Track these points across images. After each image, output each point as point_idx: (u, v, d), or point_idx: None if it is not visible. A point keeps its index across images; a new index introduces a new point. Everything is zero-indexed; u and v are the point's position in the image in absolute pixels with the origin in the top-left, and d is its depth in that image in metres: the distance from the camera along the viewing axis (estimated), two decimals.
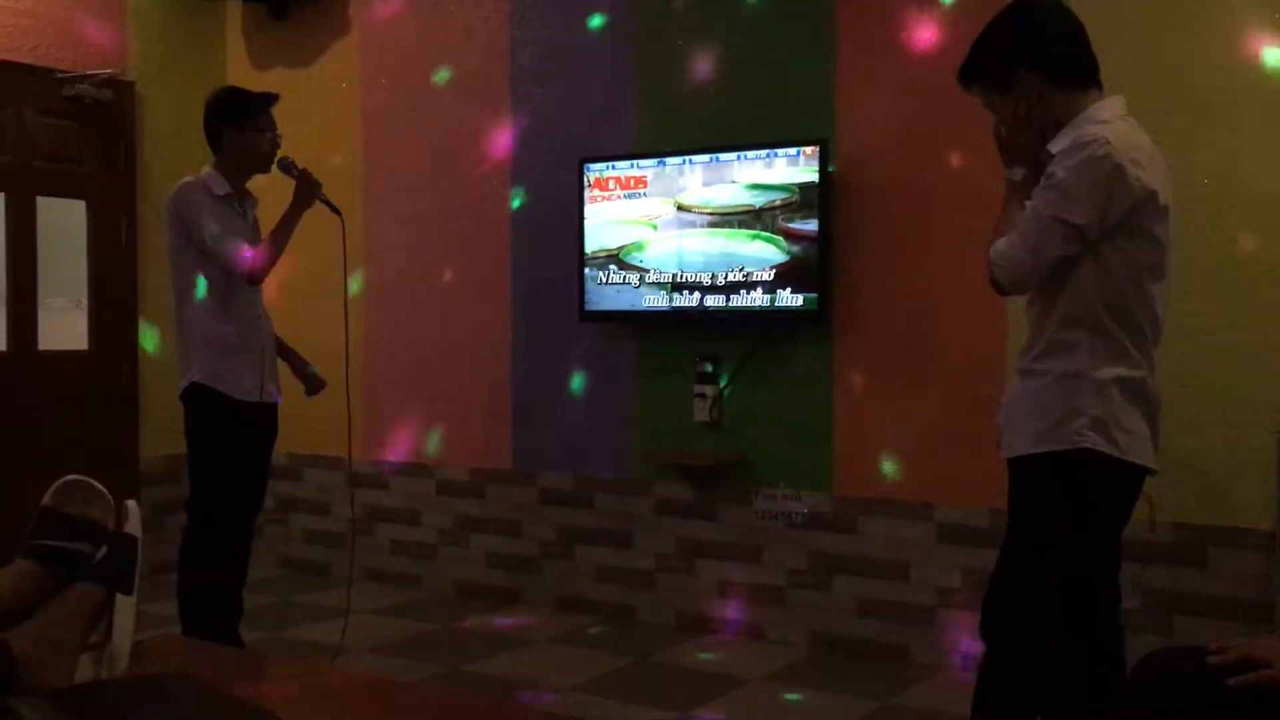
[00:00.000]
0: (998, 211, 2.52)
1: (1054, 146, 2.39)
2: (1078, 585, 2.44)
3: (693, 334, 4.46)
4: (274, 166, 3.79)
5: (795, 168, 4.14)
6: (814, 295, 4.11)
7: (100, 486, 1.59)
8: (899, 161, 4.07)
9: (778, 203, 4.18)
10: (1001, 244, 2.41)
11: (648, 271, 4.45)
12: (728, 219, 4.29)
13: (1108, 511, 2.43)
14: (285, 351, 4.05)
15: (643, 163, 4.45)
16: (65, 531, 1.54)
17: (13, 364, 4.89)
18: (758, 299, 4.21)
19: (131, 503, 1.59)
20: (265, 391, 3.81)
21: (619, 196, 4.50)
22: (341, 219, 3.87)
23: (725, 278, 4.28)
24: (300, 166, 3.78)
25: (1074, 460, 2.34)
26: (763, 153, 4.20)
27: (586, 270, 4.58)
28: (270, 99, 3.81)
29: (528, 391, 4.90)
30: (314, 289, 5.45)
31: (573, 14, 4.75)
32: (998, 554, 2.54)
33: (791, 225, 4.16)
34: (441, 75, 5.09)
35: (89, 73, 5.07)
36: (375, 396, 5.30)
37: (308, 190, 3.75)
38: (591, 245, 4.57)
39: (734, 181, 4.26)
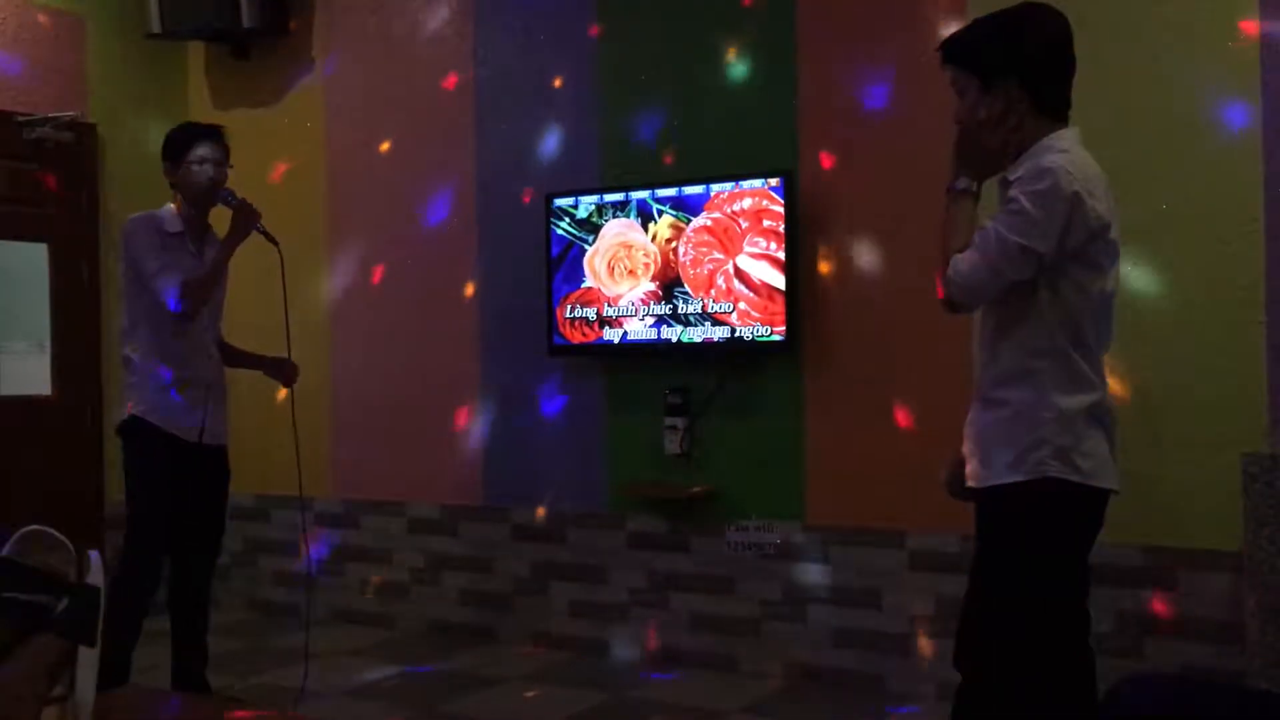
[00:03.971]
0: (944, 223, 2.48)
1: (1011, 173, 2.41)
2: (1065, 610, 2.44)
3: (662, 366, 4.46)
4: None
5: (761, 199, 4.16)
6: (782, 326, 4.12)
7: (61, 536, 1.57)
8: (864, 191, 4.10)
9: (749, 234, 4.19)
10: (962, 264, 2.38)
11: (619, 304, 4.45)
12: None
13: (1076, 536, 2.44)
14: (246, 358, 4.02)
15: (609, 196, 4.47)
16: (25, 583, 1.51)
17: None
18: (726, 330, 4.22)
19: (94, 553, 1.57)
20: (208, 433, 3.74)
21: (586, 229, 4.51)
22: (280, 250, 3.82)
23: (693, 309, 4.29)
24: (239, 197, 3.72)
25: (1039, 488, 2.36)
26: (728, 184, 4.22)
27: (554, 304, 4.57)
28: (209, 130, 3.76)
29: (498, 427, 4.88)
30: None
31: (536, 50, 4.77)
32: (968, 582, 2.55)
33: (764, 256, 4.17)
34: (406, 112, 5.10)
35: (50, 115, 5.04)
36: (345, 435, 5.27)
37: (245, 221, 3.68)
38: (559, 279, 4.57)
39: (700, 213, 4.28)
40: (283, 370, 4.00)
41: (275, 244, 3.85)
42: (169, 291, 3.58)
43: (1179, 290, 3.58)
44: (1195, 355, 3.56)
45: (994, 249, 2.34)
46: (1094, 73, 3.67)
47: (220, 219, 3.79)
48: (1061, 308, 2.37)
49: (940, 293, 2.47)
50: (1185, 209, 3.57)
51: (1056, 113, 2.44)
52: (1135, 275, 3.62)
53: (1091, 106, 3.67)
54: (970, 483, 2.50)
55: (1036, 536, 2.39)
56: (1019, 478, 2.37)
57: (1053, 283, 2.36)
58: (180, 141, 3.73)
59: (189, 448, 3.70)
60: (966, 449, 2.52)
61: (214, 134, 3.77)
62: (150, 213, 3.72)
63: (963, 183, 2.50)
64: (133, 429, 3.67)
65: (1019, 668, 2.41)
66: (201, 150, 3.70)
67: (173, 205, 3.75)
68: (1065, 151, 2.37)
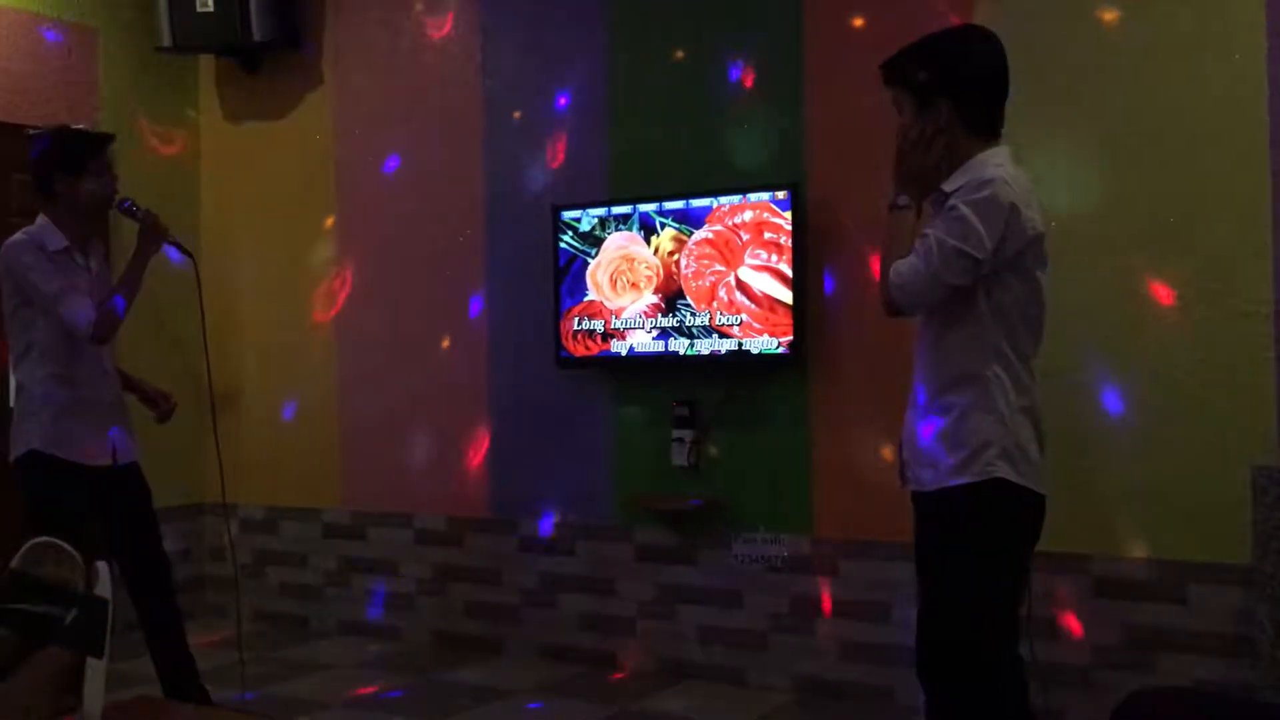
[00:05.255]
0: (886, 236, 2.60)
1: (948, 185, 2.50)
2: (1006, 614, 2.50)
3: (669, 378, 4.46)
4: (116, 210, 3.58)
5: (762, 211, 4.16)
6: (789, 338, 4.12)
7: (69, 548, 1.58)
8: (870, 203, 4.09)
9: (751, 246, 4.20)
10: (903, 267, 2.48)
11: (623, 316, 4.45)
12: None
13: (1021, 539, 2.51)
14: (128, 383, 3.80)
15: (617, 209, 4.48)
16: (34, 595, 1.52)
17: None
18: (732, 343, 4.22)
19: (102, 564, 1.58)
20: (119, 452, 3.57)
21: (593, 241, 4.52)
22: (195, 262, 3.69)
23: (699, 323, 4.29)
24: (143, 208, 3.51)
25: (986, 490, 2.43)
26: (735, 197, 4.22)
27: (562, 316, 4.58)
28: (107, 139, 3.58)
29: (506, 439, 4.88)
30: (293, 335, 5.45)
31: (543, 63, 4.79)
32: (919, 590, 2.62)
33: (765, 268, 4.17)
34: (414, 125, 5.12)
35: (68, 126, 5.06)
36: (352, 446, 5.27)
37: (153, 234, 3.48)
38: (566, 291, 4.57)
39: (702, 226, 4.28)
40: (157, 404, 3.77)
41: (190, 255, 3.67)
42: (79, 314, 3.38)
43: (1187, 302, 3.57)
44: (1204, 368, 3.55)
45: (935, 254, 2.43)
46: (1101, 85, 3.69)
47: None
48: (1000, 314, 2.46)
49: (882, 298, 2.55)
50: (1192, 222, 3.57)
51: (988, 132, 2.54)
52: (1142, 287, 3.62)
53: (1099, 118, 3.69)
54: (912, 488, 2.59)
55: (985, 537, 2.46)
56: (967, 479, 2.44)
57: (990, 290, 2.45)
58: (80, 151, 3.48)
59: (100, 472, 3.53)
60: (907, 456, 2.61)
61: (109, 142, 3.56)
62: (28, 233, 3.46)
63: (903, 199, 2.60)
64: (32, 463, 3.47)
65: (965, 671, 2.47)
66: (102, 160, 3.49)
67: (47, 220, 3.48)
68: (1000, 166, 2.47)
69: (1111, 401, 3.67)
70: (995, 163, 2.47)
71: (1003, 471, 2.42)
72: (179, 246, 3.64)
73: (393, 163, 5.18)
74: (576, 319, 4.55)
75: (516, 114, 4.85)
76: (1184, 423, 3.57)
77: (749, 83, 4.34)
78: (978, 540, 2.46)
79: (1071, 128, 3.74)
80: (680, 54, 4.48)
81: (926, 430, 2.53)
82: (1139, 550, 3.64)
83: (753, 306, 4.19)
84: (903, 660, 4.01)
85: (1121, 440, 3.65)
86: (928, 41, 2.58)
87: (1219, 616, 3.52)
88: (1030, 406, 2.49)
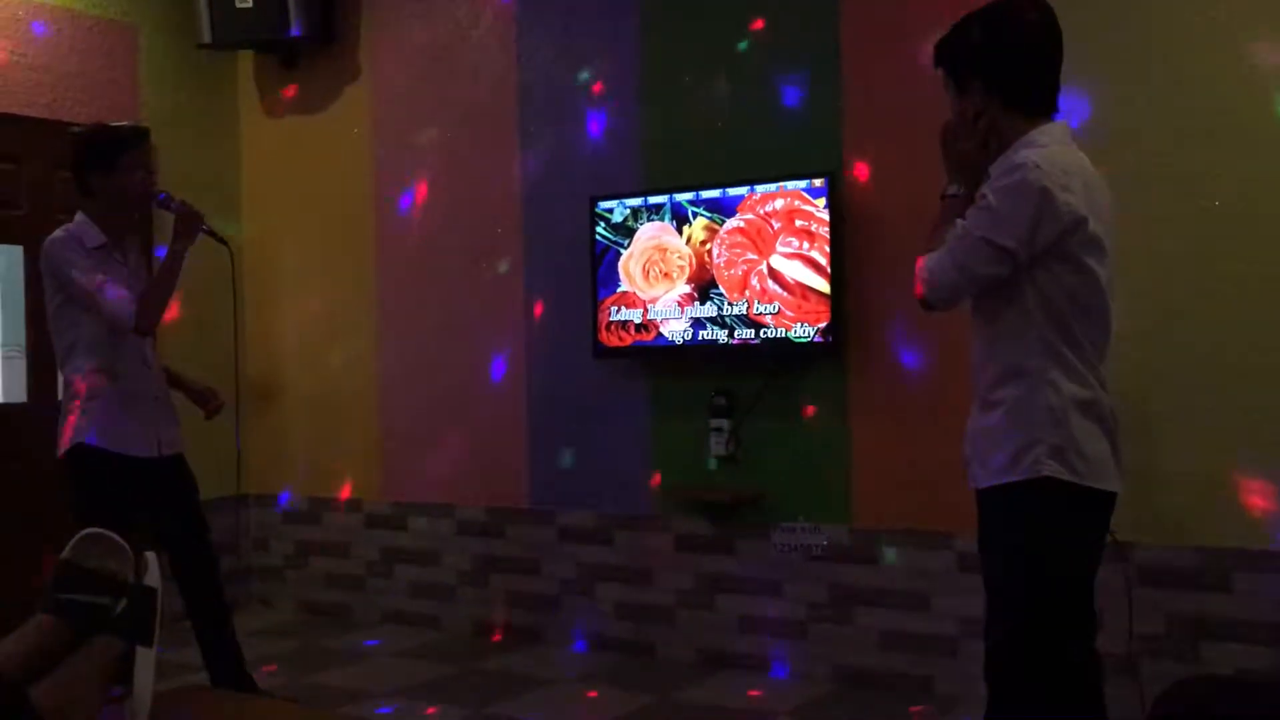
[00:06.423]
0: (929, 227, 2.52)
1: (993, 170, 2.39)
2: (1067, 613, 2.41)
3: (707, 368, 4.46)
4: (153, 204, 3.65)
5: (799, 199, 4.15)
6: (826, 326, 4.11)
7: (119, 539, 1.60)
8: (908, 192, 4.08)
9: (782, 235, 4.19)
10: (930, 260, 2.41)
11: (657, 306, 4.46)
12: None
13: (1075, 537, 2.40)
14: (176, 380, 3.87)
15: (653, 198, 4.48)
16: (85, 585, 1.55)
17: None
18: (770, 331, 4.22)
19: (151, 554, 1.60)
20: (164, 444, 3.65)
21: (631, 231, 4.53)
22: (230, 249, 3.75)
23: (735, 312, 4.28)
24: (178, 200, 3.58)
25: (1036, 489, 2.33)
26: (772, 186, 4.21)
27: (597, 307, 4.59)
28: (141, 134, 3.63)
29: (544, 429, 4.91)
30: (333, 327, 5.50)
31: (578, 54, 4.79)
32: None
33: (797, 255, 4.16)
34: (451, 118, 5.14)
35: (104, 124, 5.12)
36: (392, 437, 5.32)
37: (190, 224, 3.54)
38: (601, 281, 4.58)
39: (734, 215, 4.27)
40: (205, 401, 3.86)
41: (224, 243, 3.73)
42: (122, 306, 3.45)
43: (1231, 287, 3.52)
44: (1250, 354, 3.51)
45: (960, 245, 2.35)
46: (1144, 70, 3.64)
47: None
48: (1047, 305, 2.34)
49: (916, 293, 2.48)
50: (1239, 206, 3.52)
51: (1037, 108, 2.40)
52: (1187, 272, 3.57)
53: (1137, 105, 3.65)
54: (970, 485, 2.49)
55: (1034, 537, 2.36)
56: (1015, 478, 2.35)
57: (1036, 280, 2.34)
58: (112, 147, 3.53)
59: (145, 464, 3.60)
60: (967, 453, 2.50)
61: (145, 136, 3.62)
62: (66, 230, 3.53)
63: (952, 189, 2.52)
64: (80, 456, 3.52)
65: (1021, 671, 2.39)
66: (136, 155, 3.56)
67: (84, 217, 3.56)
68: (1042, 147, 2.34)
69: (1156, 387, 3.63)
70: (1041, 143, 2.34)
71: (1051, 470, 2.31)
72: (214, 234, 3.71)
73: (430, 155, 5.21)
74: (611, 309, 4.56)
75: (552, 104, 4.86)
76: (1229, 409, 3.53)
77: (784, 69, 4.32)
78: (1028, 539, 2.36)
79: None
80: (714, 42, 4.46)
81: (979, 426, 2.45)
82: (1183, 538, 3.60)
83: (785, 295, 4.17)
84: (942, 650, 4.00)
85: (1166, 427, 3.61)
86: (970, 18, 2.46)
87: (1265, 605, 3.48)
88: (1093, 401, 2.34)
